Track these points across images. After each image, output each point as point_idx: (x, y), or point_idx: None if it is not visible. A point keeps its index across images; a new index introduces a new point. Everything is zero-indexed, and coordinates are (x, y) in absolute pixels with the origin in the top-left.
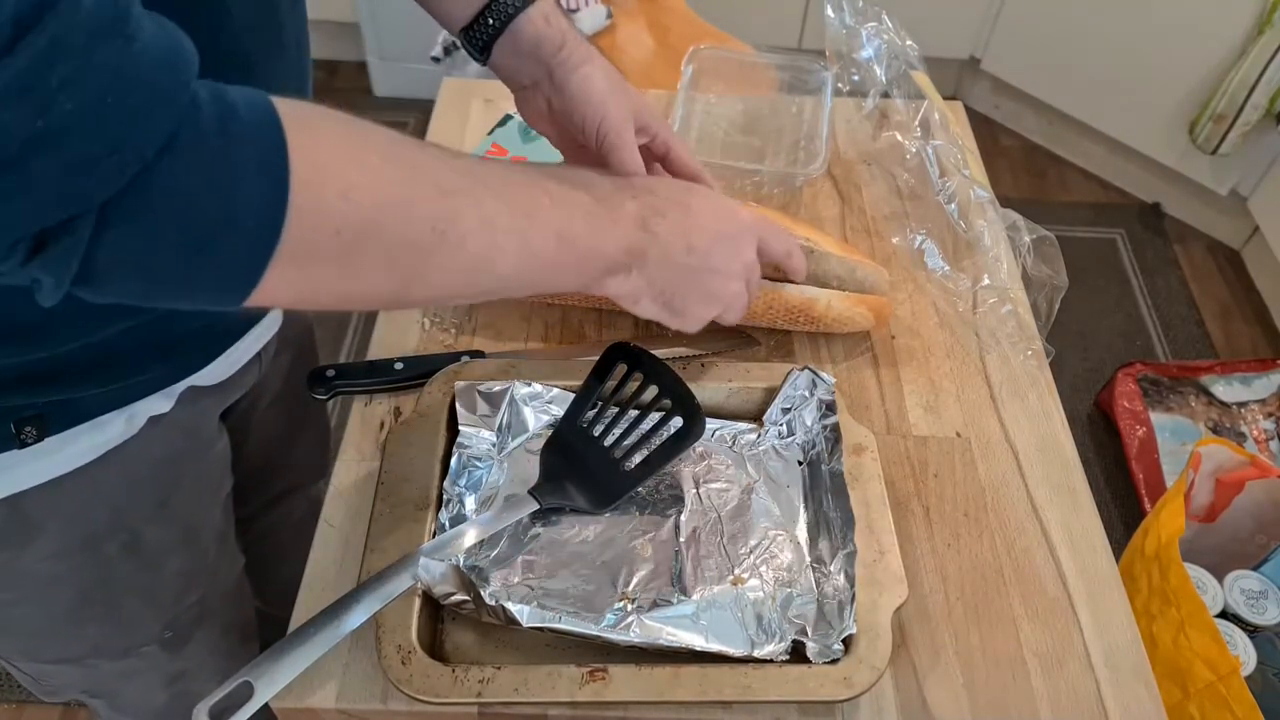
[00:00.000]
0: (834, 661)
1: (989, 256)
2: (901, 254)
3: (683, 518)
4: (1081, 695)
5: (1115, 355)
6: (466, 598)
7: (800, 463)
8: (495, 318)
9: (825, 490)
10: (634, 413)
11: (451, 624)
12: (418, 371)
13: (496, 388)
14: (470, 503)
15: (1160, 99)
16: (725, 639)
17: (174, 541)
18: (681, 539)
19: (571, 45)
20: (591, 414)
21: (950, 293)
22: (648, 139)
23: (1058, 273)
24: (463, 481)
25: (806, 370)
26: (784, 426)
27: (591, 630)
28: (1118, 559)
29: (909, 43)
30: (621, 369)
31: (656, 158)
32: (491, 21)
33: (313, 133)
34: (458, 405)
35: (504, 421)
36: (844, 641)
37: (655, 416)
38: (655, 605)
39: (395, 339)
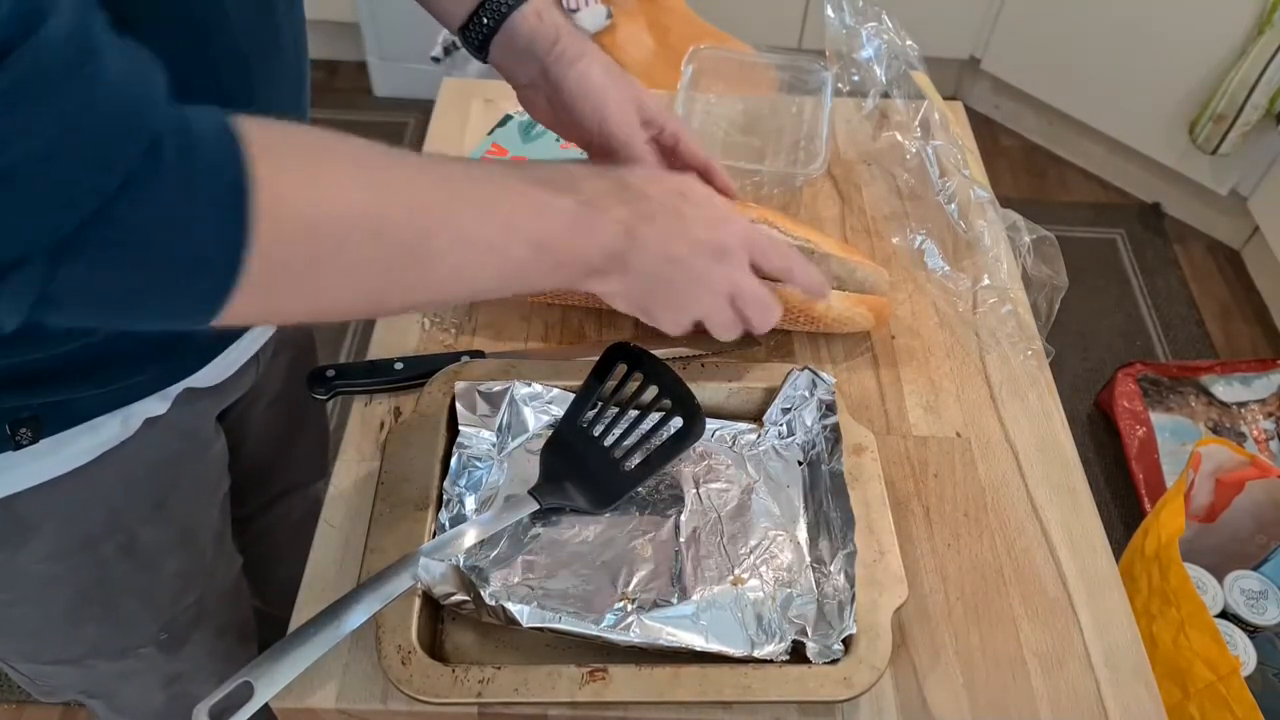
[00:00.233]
0: (834, 662)
1: (989, 256)
2: (901, 254)
3: (683, 518)
4: (1081, 695)
5: (1115, 355)
6: (466, 598)
7: (800, 463)
8: (495, 318)
9: (825, 490)
10: (634, 413)
11: (451, 624)
12: (418, 371)
13: (496, 388)
14: (470, 503)
15: (1160, 99)
16: (725, 639)
17: (171, 543)
18: (681, 539)
19: (566, 41)
20: (591, 414)
21: (950, 293)
22: (655, 131)
23: (1058, 273)
24: (463, 482)
25: (806, 370)
26: (784, 427)
27: (591, 630)
28: (1118, 559)
29: (909, 43)
30: (621, 369)
31: (666, 150)
32: (485, 20)
33: (278, 162)
34: (458, 405)
35: (504, 421)
36: (844, 642)
37: (655, 417)
38: (655, 605)
39: (395, 339)
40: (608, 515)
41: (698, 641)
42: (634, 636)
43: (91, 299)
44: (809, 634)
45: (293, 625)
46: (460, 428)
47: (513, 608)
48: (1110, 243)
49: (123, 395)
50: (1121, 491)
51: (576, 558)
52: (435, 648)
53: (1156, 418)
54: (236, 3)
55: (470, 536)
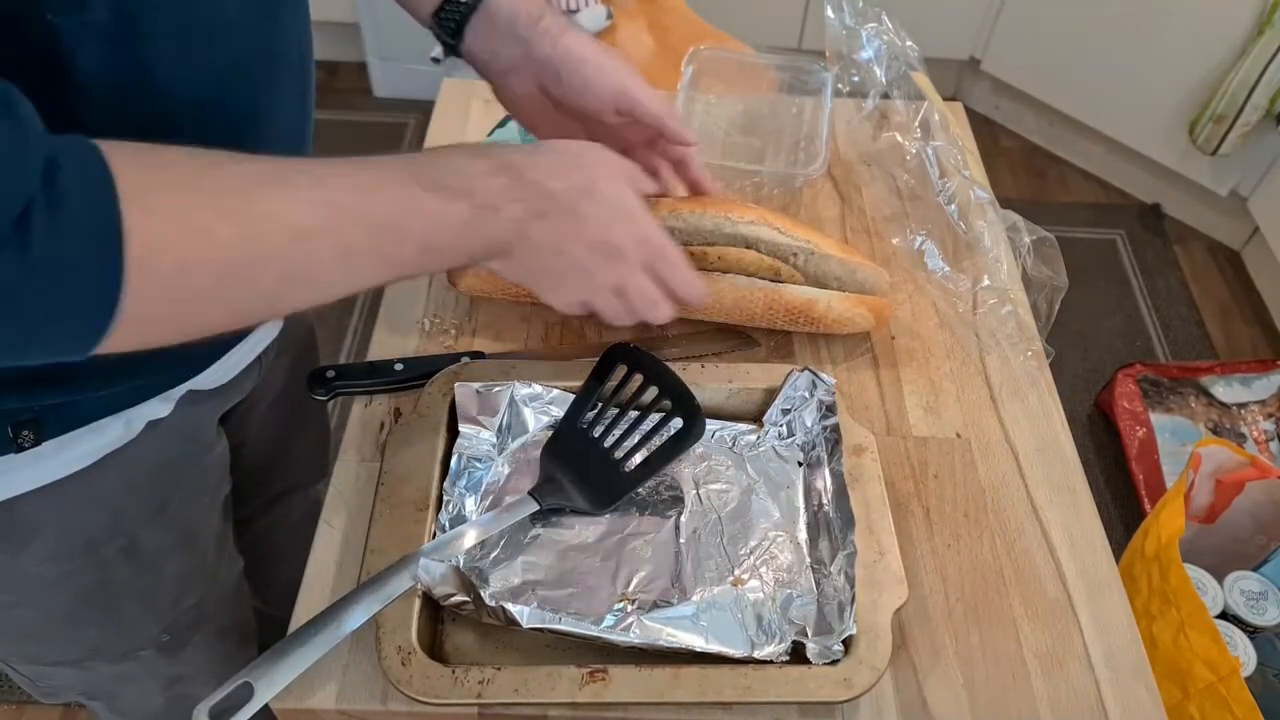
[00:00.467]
0: (834, 662)
1: (989, 257)
2: (901, 255)
3: (683, 519)
4: (1081, 696)
5: (1115, 356)
6: (466, 598)
7: (800, 464)
8: (495, 318)
9: (825, 491)
10: (634, 414)
11: (451, 625)
12: (418, 372)
13: (496, 389)
14: (470, 504)
15: (1160, 99)
16: (725, 640)
17: (172, 545)
18: (681, 540)
19: (549, 18)
20: (591, 415)
21: (950, 293)
22: (628, 119)
23: (1058, 273)
24: (462, 482)
25: (806, 371)
26: (784, 427)
27: (591, 631)
28: (1118, 559)
29: (909, 43)
30: (621, 370)
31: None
32: (464, 0)
33: (149, 205)
34: (458, 406)
35: (504, 422)
36: (844, 642)
37: (655, 417)
38: (655, 606)
39: (395, 340)
40: (608, 516)
41: (698, 642)
42: (634, 637)
43: None
44: (809, 635)
45: (293, 626)
46: (460, 428)
47: (513, 608)
48: (1110, 243)
49: (125, 398)
50: (1121, 492)
51: (576, 559)
52: (435, 648)
53: (1156, 418)
54: (238, 5)
55: (470, 537)
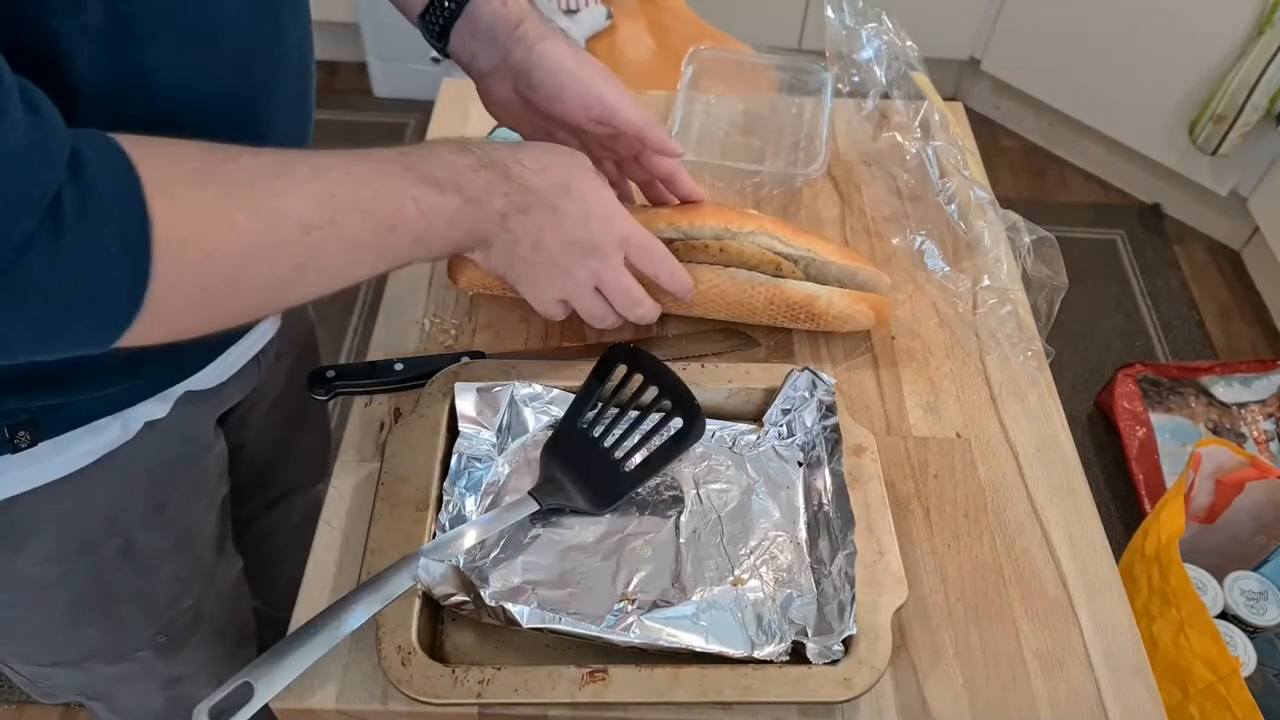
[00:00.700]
0: (834, 662)
1: (989, 257)
2: (901, 255)
3: (683, 518)
4: (1081, 696)
5: (1115, 356)
6: (466, 598)
7: (800, 463)
8: (495, 318)
9: (825, 491)
10: (634, 414)
11: (451, 625)
12: (418, 372)
13: (496, 388)
14: (470, 504)
15: (1160, 99)
16: (725, 640)
17: (169, 546)
18: (681, 540)
19: (529, 24)
20: (591, 415)
21: (950, 293)
22: (608, 130)
23: (1058, 273)
24: (462, 482)
25: (806, 371)
26: (784, 427)
27: (591, 631)
28: (1118, 560)
29: (909, 43)
30: (621, 370)
31: (629, 151)
32: (448, 4)
33: (175, 198)
34: (458, 406)
35: (504, 422)
36: (844, 642)
37: (655, 417)
38: (655, 606)
39: (395, 340)
40: (608, 516)
41: (698, 642)
42: (634, 637)
43: None
44: (809, 635)
45: (293, 626)
46: (460, 428)
47: (513, 608)
48: (1110, 243)
49: (122, 398)
50: (1121, 492)
51: (577, 559)
52: (435, 648)
53: (1156, 418)
54: (237, 6)
55: (470, 537)
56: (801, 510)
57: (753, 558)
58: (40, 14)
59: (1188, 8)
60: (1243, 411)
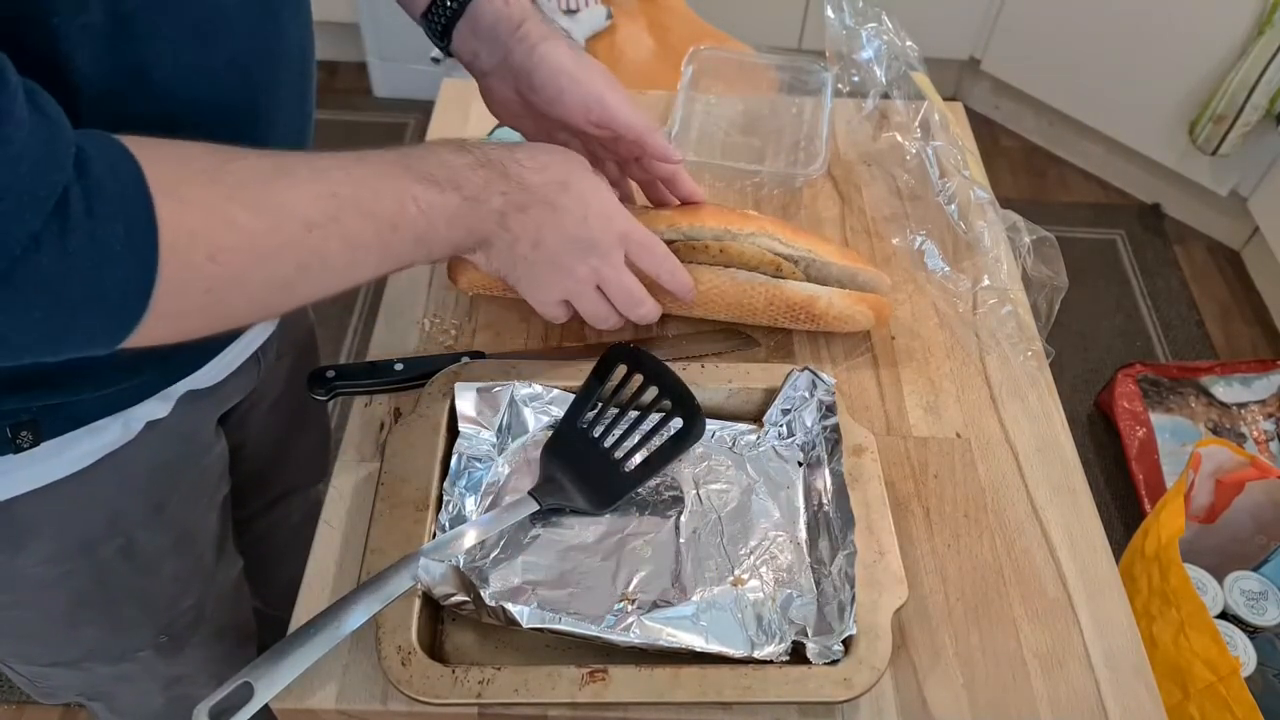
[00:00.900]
0: (834, 662)
1: (989, 257)
2: (901, 255)
3: (683, 519)
4: (1081, 696)
5: (1115, 356)
6: (466, 598)
7: (800, 464)
8: (495, 318)
9: (825, 491)
10: (634, 414)
11: (451, 625)
12: (418, 372)
13: (496, 388)
14: (470, 504)
15: (1160, 99)
16: (725, 640)
17: (169, 546)
18: (681, 540)
19: (530, 24)
20: (591, 415)
21: (950, 293)
22: (607, 133)
23: (1058, 273)
24: (462, 482)
25: (806, 371)
26: (784, 427)
27: (591, 631)
28: (1118, 560)
29: (909, 43)
30: (621, 370)
31: (629, 155)
32: (450, 3)
33: (181, 196)
34: (458, 406)
35: (504, 422)
36: (844, 642)
37: (655, 417)
38: (655, 606)
39: (395, 340)
40: (608, 516)
41: (698, 642)
42: (634, 637)
43: (2, 343)
44: (809, 635)
45: (293, 626)
46: (460, 428)
47: (513, 608)
48: (1110, 243)
49: (122, 398)
50: (1121, 492)
51: (577, 559)
52: (435, 648)
53: (1156, 418)
54: (238, 5)
55: (470, 537)
56: (801, 510)
57: (753, 558)
58: (42, 14)
59: (1188, 8)
60: (1243, 411)
